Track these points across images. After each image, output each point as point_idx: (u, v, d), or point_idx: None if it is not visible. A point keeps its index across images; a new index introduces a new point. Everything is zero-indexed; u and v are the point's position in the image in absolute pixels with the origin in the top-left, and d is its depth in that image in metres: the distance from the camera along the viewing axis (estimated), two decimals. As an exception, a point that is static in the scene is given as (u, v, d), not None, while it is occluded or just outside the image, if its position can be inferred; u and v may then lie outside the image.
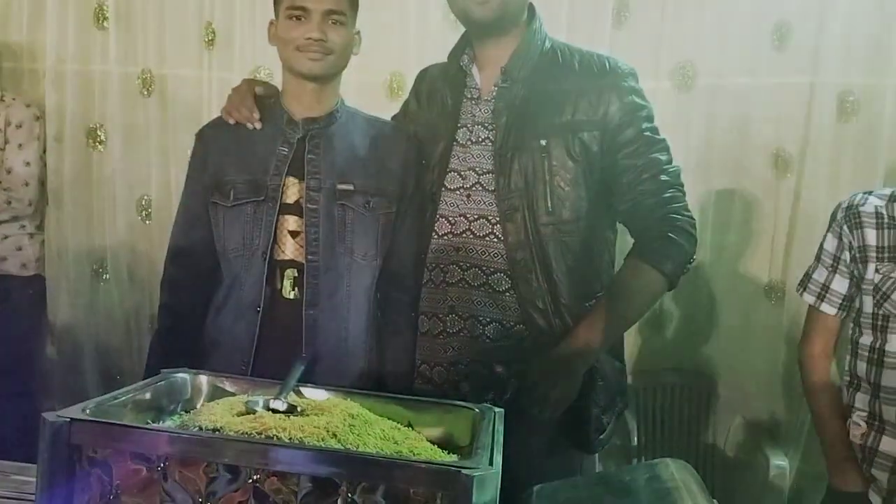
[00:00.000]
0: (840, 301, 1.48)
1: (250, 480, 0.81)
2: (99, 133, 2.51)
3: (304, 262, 1.36)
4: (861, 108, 2.15)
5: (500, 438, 0.95)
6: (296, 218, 1.38)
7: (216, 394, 1.09)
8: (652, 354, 2.28)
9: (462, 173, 1.41)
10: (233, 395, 1.09)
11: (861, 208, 1.44)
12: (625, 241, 1.45)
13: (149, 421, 0.99)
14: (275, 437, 0.86)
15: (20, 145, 2.37)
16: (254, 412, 0.97)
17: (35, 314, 2.49)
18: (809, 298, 1.53)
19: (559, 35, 2.09)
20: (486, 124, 1.41)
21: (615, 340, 1.38)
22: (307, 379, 1.16)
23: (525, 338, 1.36)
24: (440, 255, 1.41)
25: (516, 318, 1.37)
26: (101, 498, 0.83)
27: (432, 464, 0.82)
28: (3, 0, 2.54)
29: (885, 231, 1.40)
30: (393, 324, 1.44)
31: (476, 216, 1.39)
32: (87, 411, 0.87)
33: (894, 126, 2.12)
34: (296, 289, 1.37)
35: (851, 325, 1.48)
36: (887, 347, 1.39)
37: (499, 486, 0.81)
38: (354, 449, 0.88)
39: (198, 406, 1.07)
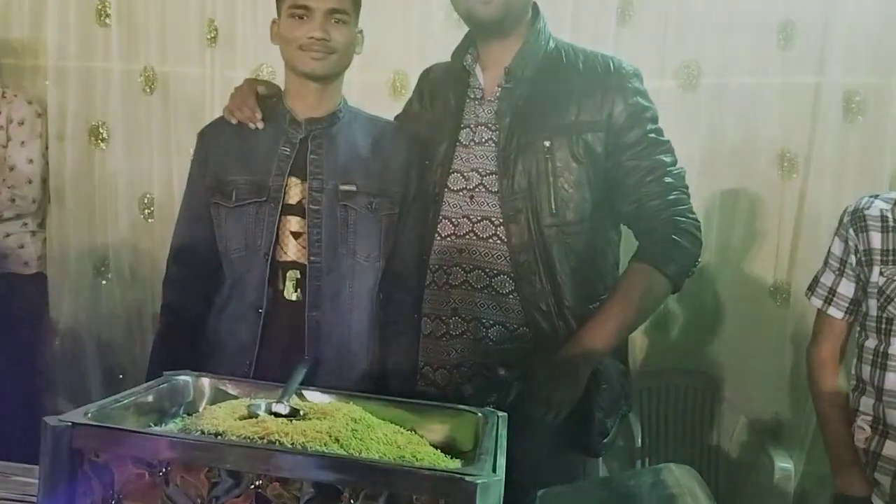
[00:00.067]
0: (847, 305, 1.48)
1: (252, 486, 0.81)
2: (101, 131, 2.50)
3: (306, 263, 1.35)
4: (867, 108, 2.14)
5: (503, 443, 0.95)
6: (298, 219, 1.37)
7: (218, 396, 1.09)
8: (656, 355, 2.28)
9: (465, 174, 1.40)
10: (235, 397, 1.08)
11: (867, 212, 1.43)
12: (629, 242, 1.44)
13: (151, 424, 0.99)
14: (277, 442, 0.85)
15: (23, 142, 2.37)
16: (256, 416, 0.97)
17: (37, 312, 2.49)
18: (817, 302, 1.52)
19: (563, 33, 2.09)
20: (490, 125, 1.40)
21: (619, 343, 1.37)
22: (310, 381, 1.16)
23: (528, 340, 1.36)
24: (443, 256, 1.40)
25: (520, 321, 1.36)
26: (102, 502, 0.82)
27: (436, 471, 0.81)
28: (6, -1, 2.53)
29: (890, 234, 1.40)
30: (395, 325, 1.43)
31: (479, 218, 1.38)
32: (89, 415, 0.86)
33: (901, 126, 2.11)
34: (298, 290, 1.36)
35: (858, 328, 1.48)
36: (891, 350, 1.39)
37: (502, 492, 0.81)
38: (357, 454, 0.88)
39: (200, 409, 1.07)
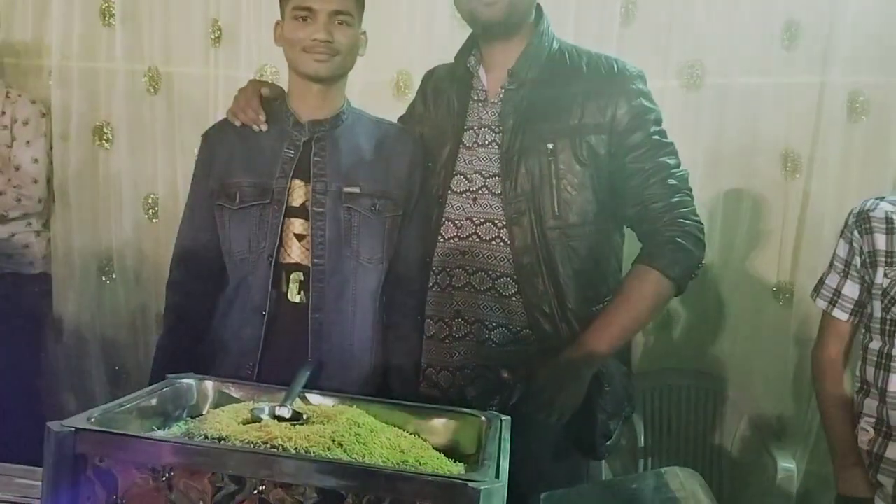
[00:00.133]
0: (852, 307, 1.47)
1: (256, 491, 0.81)
2: (105, 131, 2.50)
3: (309, 265, 1.35)
4: (871, 109, 2.13)
5: (506, 447, 0.95)
6: (302, 221, 1.37)
7: (222, 399, 1.10)
8: (659, 355, 2.27)
9: (468, 176, 1.40)
10: (238, 400, 1.09)
11: (871, 214, 1.43)
12: (632, 244, 1.44)
13: (154, 427, 0.99)
14: (280, 447, 0.86)
15: (28, 142, 2.37)
16: (260, 420, 0.97)
17: (42, 312, 2.50)
18: (822, 304, 1.52)
19: (566, 33, 2.09)
20: (493, 127, 1.40)
21: (622, 346, 1.37)
22: (313, 383, 1.16)
23: (531, 342, 1.36)
24: (446, 258, 1.40)
25: (522, 323, 1.36)
26: (106, 507, 0.83)
27: (439, 477, 0.82)
28: (9, -3, 2.54)
29: (895, 236, 1.39)
30: (398, 327, 1.43)
31: (482, 220, 1.38)
32: (93, 420, 0.87)
33: (905, 126, 2.10)
34: (302, 292, 1.36)
35: (863, 330, 1.47)
36: (895, 352, 1.38)
37: (505, 497, 0.81)
38: (360, 459, 0.88)
39: (204, 412, 1.08)
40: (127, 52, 2.46)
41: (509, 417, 1.04)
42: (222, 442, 0.88)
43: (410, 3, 2.31)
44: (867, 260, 1.42)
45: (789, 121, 2.19)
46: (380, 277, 1.41)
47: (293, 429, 0.92)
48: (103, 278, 2.54)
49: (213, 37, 2.41)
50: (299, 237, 1.37)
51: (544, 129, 1.35)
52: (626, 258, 1.44)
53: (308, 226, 1.36)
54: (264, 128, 1.42)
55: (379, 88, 2.28)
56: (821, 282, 1.54)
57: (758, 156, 2.22)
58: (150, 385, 1.28)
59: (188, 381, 1.09)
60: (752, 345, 2.25)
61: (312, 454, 0.86)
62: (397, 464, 0.90)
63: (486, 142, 1.40)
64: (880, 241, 1.40)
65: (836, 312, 1.49)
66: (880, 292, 1.40)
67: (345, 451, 0.89)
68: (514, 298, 1.36)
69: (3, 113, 2.34)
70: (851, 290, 1.47)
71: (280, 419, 0.99)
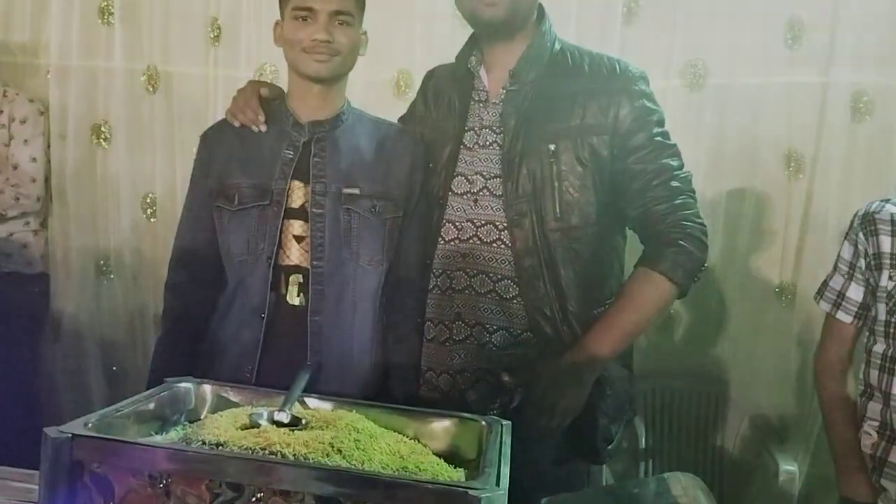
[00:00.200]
0: (856, 309, 1.46)
1: (254, 498, 0.81)
2: (103, 130, 2.49)
3: (309, 267, 1.34)
4: (875, 109, 2.12)
5: (507, 453, 0.94)
6: (301, 223, 1.36)
7: (220, 403, 1.09)
8: (660, 356, 2.26)
9: (469, 177, 1.39)
10: (237, 405, 1.08)
11: (877, 216, 1.42)
12: (635, 246, 1.42)
13: (152, 432, 0.98)
14: (279, 454, 0.85)
15: (25, 141, 2.36)
16: (258, 425, 0.96)
17: (41, 312, 2.49)
18: (826, 306, 1.51)
19: (568, 33, 2.08)
20: (494, 128, 1.39)
21: (624, 349, 1.36)
22: (312, 385, 1.15)
23: (532, 345, 1.35)
24: (447, 261, 1.39)
25: (523, 326, 1.35)
26: (103, 514, 0.82)
27: (438, 484, 0.81)
28: (8, -6, 2.52)
29: None
30: (398, 330, 1.42)
31: (483, 222, 1.37)
32: (90, 425, 0.86)
33: (909, 127, 2.09)
34: (301, 294, 1.35)
35: (867, 333, 1.46)
36: (899, 356, 1.38)
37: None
38: (359, 465, 0.87)
39: (202, 416, 1.07)
40: (126, 50, 2.45)
41: (510, 422, 1.03)
42: (220, 448, 0.87)
43: (410, 2, 2.30)
44: (872, 262, 1.41)
45: (792, 121, 2.17)
46: (380, 279, 1.40)
47: (292, 434, 0.91)
48: (101, 278, 2.53)
49: (212, 36, 2.40)
50: (298, 239, 1.36)
51: (546, 130, 1.34)
52: (629, 260, 1.43)
53: (307, 227, 1.35)
54: (263, 128, 1.41)
55: (379, 88, 2.27)
56: (824, 284, 1.53)
57: (760, 156, 2.21)
58: (148, 387, 1.28)
59: (186, 384, 1.08)
60: (754, 346, 2.24)
61: (311, 461, 0.85)
62: (397, 470, 0.89)
63: (488, 143, 1.39)
64: (886, 243, 1.39)
65: (840, 315, 1.48)
66: (885, 295, 1.39)
67: (344, 457, 0.88)
68: (515, 301, 1.35)
69: (1, 112, 2.33)
70: (856, 292, 1.46)
71: (279, 424, 0.98)
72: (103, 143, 2.49)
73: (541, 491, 1.18)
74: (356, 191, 1.38)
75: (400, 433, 1.04)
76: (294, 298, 1.35)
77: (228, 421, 0.96)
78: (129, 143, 2.48)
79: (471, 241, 1.37)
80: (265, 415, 0.99)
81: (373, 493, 0.79)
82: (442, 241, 1.40)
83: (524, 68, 1.38)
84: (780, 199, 2.21)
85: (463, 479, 0.93)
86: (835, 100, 2.12)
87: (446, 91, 1.48)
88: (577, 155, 1.33)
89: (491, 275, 1.36)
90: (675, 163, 1.35)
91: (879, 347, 1.41)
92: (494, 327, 1.36)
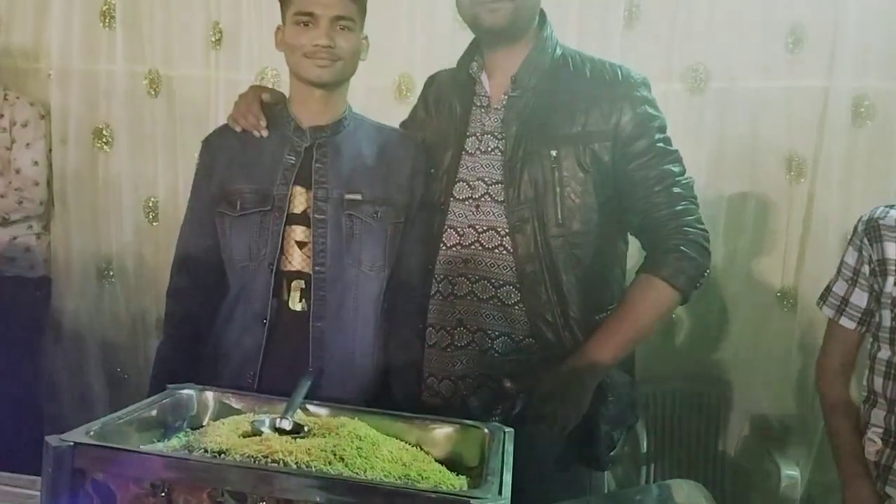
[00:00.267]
0: (860, 315, 1.46)
1: (256, 507, 0.80)
2: (105, 133, 2.49)
3: (311, 273, 1.34)
4: (876, 113, 2.12)
5: (509, 460, 0.94)
6: (303, 228, 1.35)
7: (222, 410, 1.09)
8: (662, 361, 2.26)
9: (471, 183, 1.39)
10: (239, 411, 1.08)
11: (881, 221, 1.41)
12: (636, 252, 1.42)
13: (154, 440, 0.98)
14: (281, 462, 0.85)
15: (27, 144, 2.36)
16: (260, 433, 0.96)
17: (44, 316, 2.49)
18: (829, 312, 1.50)
19: (570, 37, 2.08)
20: (496, 133, 1.39)
21: (626, 355, 1.36)
22: (315, 391, 1.15)
23: (534, 351, 1.34)
24: (449, 266, 1.39)
25: (525, 332, 1.35)
26: (105, 523, 0.82)
27: (441, 493, 0.81)
28: (9, -1, 2.53)
29: None
30: (400, 336, 1.42)
31: (485, 227, 1.37)
32: (92, 434, 0.86)
33: (910, 131, 2.09)
34: (303, 300, 1.35)
35: (871, 339, 1.46)
36: (904, 362, 1.37)
37: (508, 513, 0.80)
38: (362, 473, 0.87)
39: (204, 423, 1.07)
40: (127, 54, 2.46)
41: (512, 429, 1.03)
42: (222, 456, 0.87)
43: (411, 6, 2.30)
44: (877, 268, 1.41)
45: (793, 125, 2.17)
46: (381, 285, 1.40)
47: (294, 442, 0.91)
48: (103, 281, 2.53)
49: (213, 39, 2.40)
50: (300, 244, 1.36)
51: (548, 136, 1.34)
52: (631, 266, 1.43)
53: (309, 233, 1.35)
54: (265, 133, 1.41)
55: (381, 92, 2.27)
56: (827, 289, 1.52)
57: (762, 160, 2.21)
58: (149, 392, 1.28)
59: (188, 391, 1.08)
60: (755, 350, 2.24)
61: (313, 469, 0.85)
62: (399, 478, 0.89)
63: (489, 148, 1.39)
64: (890, 249, 1.38)
65: (844, 321, 1.47)
66: (890, 301, 1.38)
67: (346, 465, 0.88)
68: (516, 307, 1.35)
69: (2, 115, 2.33)
70: (859, 298, 1.45)
71: (281, 431, 0.98)
72: (105, 147, 2.50)
73: (543, 498, 1.18)
74: (358, 196, 1.38)
75: (402, 440, 1.04)
76: (296, 304, 1.35)
77: (230, 428, 0.96)
78: (130, 147, 2.49)
79: (472, 246, 1.37)
80: (267, 422, 0.99)
81: (375, 503, 0.79)
82: (444, 247, 1.39)
83: (526, 74, 1.38)
84: (781, 204, 2.21)
85: (465, 487, 0.93)
86: (836, 104, 2.12)
87: (448, 96, 1.48)
88: (579, 161, 1.33)
89: (493, 280, 1.36)
90: (676, 169, 1.35)
91: (884, 354, 1.40)
92: (496, 333, 1.36)
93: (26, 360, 2.37)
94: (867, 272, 1.44)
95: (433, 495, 0.80)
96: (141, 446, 0.93)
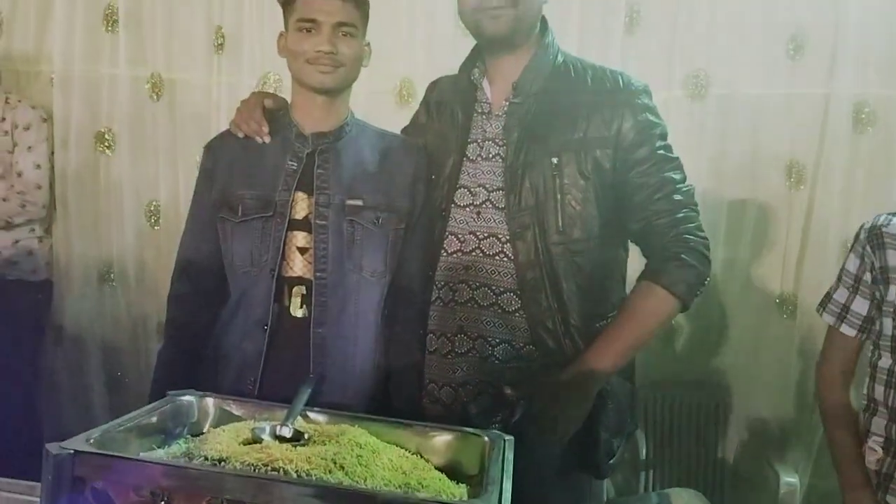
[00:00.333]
0: (860, 323, 1.45)
1: (256, 516, 0.80)
2: (107, 137, 2.50)
3: (312, 278, 1.34)
4: (877, 120, 2.13)
5: (509, 469, 0.94)
6: (304, 234, 1.36)
7: (223, 417, 1.09)
8: (661, 366, 2.26)
9: (472, 190, 1.39)
10: (239, 418, 1.08)
11: (884, 229, 1.41)
12: (637, 259, 1.42)
13: (155, 446, 0.98)
14: (281, 470, 0.85)
15: (29, 147, 2.37)
16: (260, 440, 0.96)
17: (46, 319, 2.49)
18: (829, 319, 1.50)
19: (571, 42, 2.09)
20: (497, 140, 1.39)
21: (626, 363, 1.36)
22: (315, 397, 1.15)
23: (534, 359, 1.34)
24: (449, 273, 1.39)
25: (526, 339, 1.35)
26: (105, 530, 0.82)
27: (441, 502, 0.81)
28: (12, 1, 2.53)
29: None
30: (400, 342, 1.42)
31: (486, 234, 1.37)
32: (92, 441, 0.86)
33: (910, 138, 2.09)
34: (304, 306, 1.35)
35: (871, 347, 1.46)
36: (906, 371, 1.37)
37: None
38: (362, 481, 0.87)
39: (204, 429, 1.07)
40: (130, 58, 2.46)
41: (512, 437, 1.03)
42: (222, 464, 0.87)
43: (412, 11, 2.31)
44: (879, 276, 1.40)
45: (794, 131, 2.18)
46: (382, 291, 1.40)
47: (294, 450, 0.91)
48: (104, 285, 2.53)
49: (216, 44, 2.41)
50: (302, 250, 1.36)
51: (549, 143, 1.34)
52: (631, 272, 1.43)
53: (311, 239, 1.35)
54: (267, 139, 1.41)
55: (382, 97, 2.28)
56: (828, 296, 1.52)
57: (762, 166, 2.21)
58: (150, 398, 1.28)
59: (189, 397, 1.09)
60: (755, 356, 2.24)
61: (314, 477, 0.85)
62: (399, 486, 0.89)
63: (490, 155, 1.39)
64: (893, 257, 1.38)
65: (844, 328, 1.47)
66: (892, 309, 1.38)
67: (346, 473, 0.88)
68: (517, 314, 1.35)
69: (3, 119, 2.33)
70: (860, 305, 1.45)
71: (281, 439, 0.98)
72: (107, 151, 2.50)
73: (542, 505, 1.18)
74: (359, 202, 1.38)
75: (402, 447, 1.04)
76: (297, 310, 1.35)
77: (231, 436, 0.96)
78: (132, 151, 2.49)
79: (473, 253, 1.37)
80: (268, 429, 0.99)
81: (375, 511, 0.79)
82: (444, 254, 1.40)
83: (527, 81, 1.38)
84: (781, 210, 2.21)
85: (465, 495, 0.93)
86: (836, 111, 2.13)
87: (449, 102, 1.48)
88: (580, 168, 1.33)
89: (493, 287, 1.36)
90: (677, 176, 1.35)
91: (885, 362, 1.40)
92: (497, 340, 1.36)
93: (28, 363, 2.37)
94: (869, 280, 1.43)
95: (433, 504, 0.80)
96: (141, 453, 0.93)
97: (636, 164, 1.34)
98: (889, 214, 1.43)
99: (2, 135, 2.33)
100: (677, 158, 1.37)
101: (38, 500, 0.87)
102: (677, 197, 1.33)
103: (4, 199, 2.30)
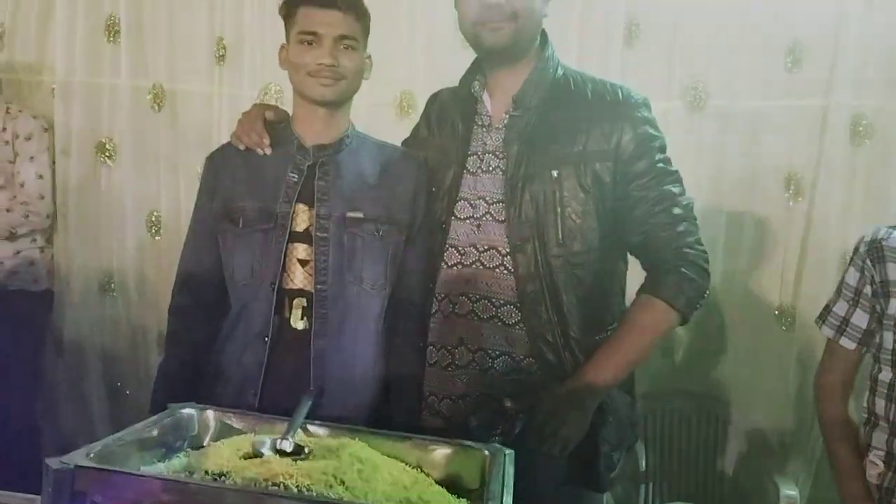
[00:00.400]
0: (860, 336, 1.45)
1: (256, 531, 0.80)
2: (108, 147, 2.50)
3: (312, 291, 1.34)
4: (875, 132, 2.13)
5: (510, 483, 0.94)
6: (305, 246, 1.36)
7: (223, 430, 1.09)
8: (661, 378, 2.26)
9: (472, 202, 1.40)
10: (240, 431, 1.08)
11: (885, 242, 1.41)
12: (636, 271, 1.43)
13: (155, 460, 0.98)
14: (281, 485, 0.85)
15: (31, 158, 2.36)
16: (261, 454, 0.96)
17: (47, 329, 2.48)
18: (828, 332, 1.49)
19: (570, 54, 2.10)
20: (497, 153, 1.40)
21: (626, 376, 1.36)
22: (315, 409, 1.15)
23: (534, 371, 1.34)
24: (450, 285, 1.39)
25: (526, 352, 1.35)
26: (105, 545, 0.82)
27: (442, 518, 0.81)
28: (13, 11, 2.54)
29: None
30: (401, 354, 1.42)
31: (486, 247, 1.37)
32: (92, 456, 0.86)
33: (908, 150, 2.10)
34: (304, 318, 1.35)
35: (872, 361, 1.45)
36: (907, 384, 1.37)
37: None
38: (363, 496, 0.87)
39: (205, 442, 1.07)
40: (131, 68, 2.47)
41: (513, 451, 1.03)
42: (223, 478, 0.87)
43: (412, 23, 2.32)
44: (879, 290, 1.40)
45: (793, 143, 2.18)
46: (383, 303, 1.40)
47: (295, 465, 0.91)
48: (105, 295, 2.53)
49: (217, 55, 2.42)
50: (302, 262, 1.36)
51: (549, 156, 1.35)
52: (631, 284, 1.44)
53: (311, 251, 1.35)
54: (268, 151, 1.41)
55: (382, 109, 2.29)
56: (827, 309, 1.52)
57: (761, 178, 2.21)
58: (151, 409, 1.28)
59: (189, 410, 1.09)
60: (754, 368, 2.23)
61: (314, 493, 0.85)
62: (400, 501, 0.89)
63: (491, 167, 1.40)
64: (893, 271, 1.38)
65: (844, 341, 1.47)
66: (892, 323, 1.38)
67: (347, 488, 0.88)
68: (517, 327, 1.35)
69: (4, 129, 2.34)
70: (860, 318, 1.45)
71: (282, 453, 0.98)
72: (108, 161, 2.51)
73: (542, 519, 1.18)
74: (360, 214, 1.38)
75: (402, 461, 1.04)
76: (297, 322, 1.35)
77: (231, 450, 0.96)
78: (133, 161, 2.50)
79: (473, 265, 1.38)
80: (268, 443, 0.99)
81: (376, 527, 0.79)
82: (444, 266, 1.40)
83: (527, 94, 1.39)
84: (780, 222, 2.22)
85: (465, 511, 0.92)
86: (835, 123, 2.13)
87: (450, 115, 1.49)
88: (580, 181, 1.34)
89: (493, 300, 1.36)
90: (676, 189, 1.36)
91: (886, 376, 1.39)
92: (497, 353, 1.36)
93: (29, 372, 2.36)
94: (869, 293, 1.43)
95: (434, 520, 0.80)
96: (142, 467, 0.93)
97: (636, 177, 1.34)
98: (889, 227, 1.43)
99: (3, 145, 2.33)
100: (676, 171, 1.38)
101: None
102: (677, 210, 1.34)
103: (8, 210, 2.30)
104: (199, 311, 1.41)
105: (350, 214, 1.38)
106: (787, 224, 2.21)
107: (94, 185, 2.51)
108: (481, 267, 1.37)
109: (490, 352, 1.36)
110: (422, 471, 1.03)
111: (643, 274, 1.39)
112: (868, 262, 1.42)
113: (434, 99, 1.59)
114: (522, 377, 1.35)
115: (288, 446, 0.99)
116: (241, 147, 1.43)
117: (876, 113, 2.12)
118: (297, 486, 0.85)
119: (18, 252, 2.34)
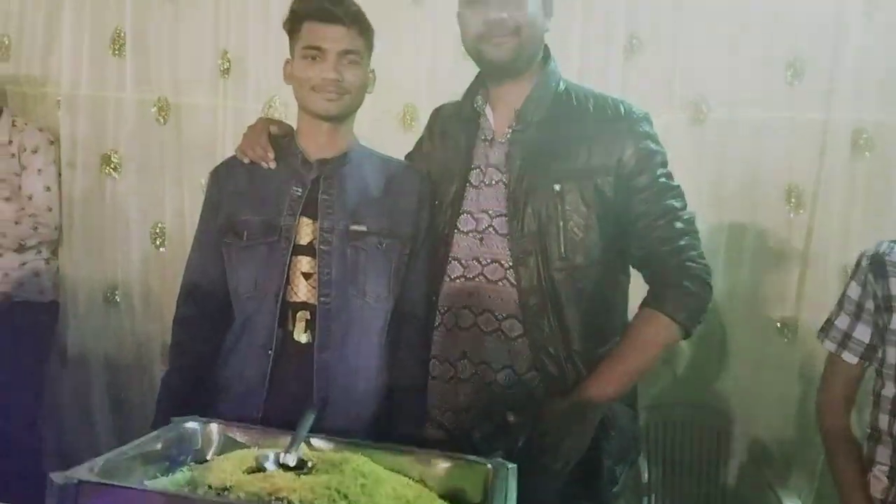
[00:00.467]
0: (862, 350, 1.44)
1: (260, 546, 0.81)
2: (113, 160, 2.52)
3: (316, 304, 1.35)
4: (875, 145, 2.15)
5: (513, 497, 0.94)
6: (309, 259, 1.37)
7: (227, 443, 1.09)
8: (663, 390, 2.26)
9: (475, 216, 1.40)
10: (243, 445, 1.09)
11: (887, 257, 1.40)
12: (638, 284, 1.43)
13: (158, 474, 0.98)
14: (285, 500, 0.85)
15: (39, 171, 2.38)
16: (264, 469, 0.96)
17: (53, 340, 2.49)
18: (830, 346, 1.49)
19: (571, 67, 2.12)
20: (500, 167, 1.40)
21: (628, 390, 1.36)
22: (319, 423, 1.15)
23: (537, 385, 1.35)
24: (453, 299, 1.40)
25: (528, 365, 1.35)
26: (109, 560, 0.82)
27: (444, 534, 0.81)
28: (19, 24, 2.56)
29: None
30: (404, 367, 1.42)
31: (489, 260, 1.38)
32: (96, 470, 0.86)
33: (908, 163, 2.11)
34: (308, 331, 1.35)
35: (875, 376, 1.45)
36: (910, 399, 1.36)
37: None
38: (365, 512, 0.87)
39: (208, 456, 1.07)
40: (136, 81, 2.49)
41: (515, 465, 1.03)
42: (226, 493, 0.87)
43: (416, 36, 2.34)
44: (882, 304, 1.39)
45: (793, 156, 2.20)
46: (386, 316, 1.41)
47: (298, 479, 0.91)
48: (109, 307, 2.54)
49: (222, 68, 2.44)
50: (306, 275, 1.37)
51: (551, 170, 1.36)
52: (633, 297, 1.44)
53: (315, 264, 1.36)
54: (273, 165, 1.43)
55: (385, 122, 2.30)
56: (829, 323, 1.51)
57: (762, 190, 2.23)
58: (154, 422, 1.28)
59: (193, 424, 1.09)
60: (756, 380, 2.23)
61: (317, 507, 0.85)
62: (403, 516, 0.89)
63: (493, 181, 1.41)
64: None
65: (846, 355, 1.46)
66: (895, 338, 1.38)
67: (350, 502, 0.88)
68: (519, 340, 1.35)
69: (11, 142, 2.35)
70: (863, 333, 1.44)
71: (285, 467, 0.98)
72: (113, 173, 2.52)
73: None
74: (363, 228, 1.39)
75: (405, 475, 1.04)
76: (301, 335, 1.36)
77: (235, 464, 0.97)
78: (138, 173, 2.51)
79: (476, 279, 1.38)
80: (271, 457, 1.00)
81: (379, 542, 0.79)
82: (447, 279, 1.40)
83: (530, 109, 1.40)
84: (781, 234, 2.23)
85: (468, 525, 0.93)
86: (835, 136, 2.15)
87: (453, 129, 1.50)
88: (582, 195, 1.34)
89: (496, 313, 1.37)
90: (678, 204, 1.36)
91: (889, 391, 1.38)
92: (499, 366, 1.36)
93: (34, 383, 2.36)
94: (872, 308, 1.43)
95: (437, 535, 0.80)
96: (145, 482, 0.93)
97: (637, 191, 1.35)
98: (891, 242, 1.43)
99: (9, 157, 2.34)
100: (678, 186, 1.39)
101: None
102: (678, 224, 1.34)
103: (17, 222, 2.31)
104: (205, 321, 1.41)
105: (353, 228, 1.39)
106: (788, 236, 2.21)
107: (99, 197, 2.53)
108: (484, 280, 1.37)
109: (493, 365, 1.36)
110: (425, 485, 1.03)
111: (646, 287, 1.39)
112: (870, 276, 1.41)
113: (437, 113, 1.60)
114: (525, 390, 1.35)
115: (291, 461, 1.00)
116: (246, 161, 1.44)
117: (876, 126, 2.14)
118: (301, 501, 0.85)
119: (24, 263, 2.35)
